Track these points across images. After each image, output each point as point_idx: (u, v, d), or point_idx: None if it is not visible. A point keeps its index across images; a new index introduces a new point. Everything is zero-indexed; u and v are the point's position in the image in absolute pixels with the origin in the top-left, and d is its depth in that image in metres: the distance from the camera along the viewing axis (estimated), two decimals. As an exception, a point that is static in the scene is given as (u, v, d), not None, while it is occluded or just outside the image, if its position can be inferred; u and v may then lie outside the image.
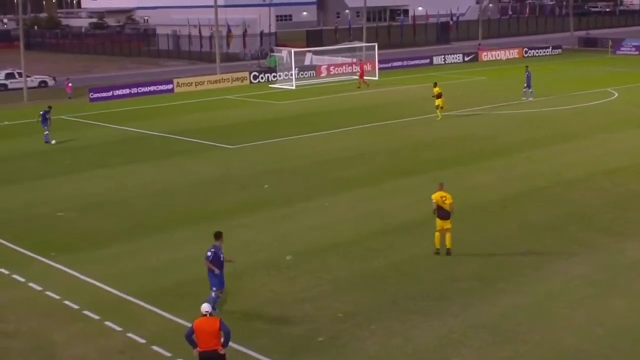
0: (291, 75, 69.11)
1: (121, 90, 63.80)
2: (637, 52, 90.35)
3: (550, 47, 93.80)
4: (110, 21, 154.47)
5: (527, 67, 56.82)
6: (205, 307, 15.66)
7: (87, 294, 21.71)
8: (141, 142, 43.84)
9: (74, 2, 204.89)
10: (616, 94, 56.46)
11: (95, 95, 62.01)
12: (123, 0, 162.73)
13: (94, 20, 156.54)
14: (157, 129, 47.13)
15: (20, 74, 67.90)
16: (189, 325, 16.23)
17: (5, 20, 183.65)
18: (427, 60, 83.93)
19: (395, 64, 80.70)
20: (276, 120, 50.02)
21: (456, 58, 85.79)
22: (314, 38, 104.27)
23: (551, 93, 57.24)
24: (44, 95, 64.53)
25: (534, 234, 25.73)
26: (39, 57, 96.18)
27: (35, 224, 28.58)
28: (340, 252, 24.46)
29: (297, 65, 71.09)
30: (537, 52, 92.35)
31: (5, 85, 69.96)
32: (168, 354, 17.86)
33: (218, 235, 19.72)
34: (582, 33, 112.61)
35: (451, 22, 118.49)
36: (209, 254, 19.46)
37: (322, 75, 73.67)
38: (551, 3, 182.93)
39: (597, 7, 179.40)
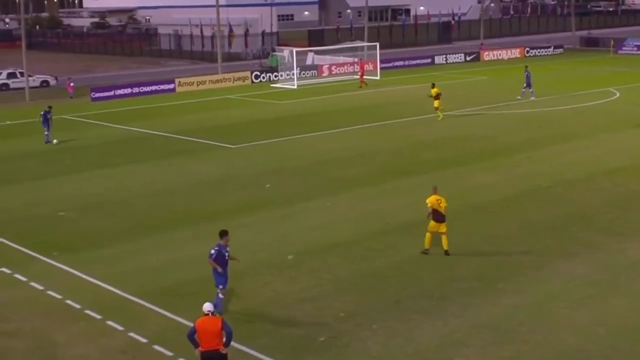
0: (293, 74, 69.12)
1: (123, 89, 63.83)
2: (639, 52, 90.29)
3: (552, 47, 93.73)
4: (112, 21, 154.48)
5: (526, 67, 56.81)
6: (208, 307, 15.66)
7: (88, 293, 21.74)
8: (142, 142, 43.87)
9: (76, 1, 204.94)
10: (618, 94, 56.45)
11: (97, 94, 62.05)
12: (125, 0, 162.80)
13: (96, 19, 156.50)
14: (158, 129, 47.16)
15: (22, 74, 67.95)
16: (191, 324, 16.26)
17: (7, 20, 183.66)
18: (429, 60, 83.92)
19: (396, 63, 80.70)
20: (277, 120, 50.05)
21: (458, 58, 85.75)
22: (315, 38, 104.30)
23: (552, 93, 57.23)
24: (45, 94, 64.58)
25: (535, 234, 25.75)
26: (41, 57, 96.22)
27: (37, 224, 28.62)
28: (341, 252, 24.48)
29: (298, 64, 71.13)
30: (538, 52, 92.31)
31: (7, 85, 69.98)
32: (170, 354, 17.90)
33: (223, 234, 19.65)
34: (584, 33, 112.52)
35: (453, 22, 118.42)
36: (213, 252, 19.43)
37: (324, 75, 73.69)
38: (553, 3, 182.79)
39: (599, 6, 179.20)
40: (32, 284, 22.48)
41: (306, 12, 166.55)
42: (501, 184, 32.20)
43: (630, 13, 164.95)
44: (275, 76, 71.55)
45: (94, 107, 58.01)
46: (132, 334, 18.98)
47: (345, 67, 74.91)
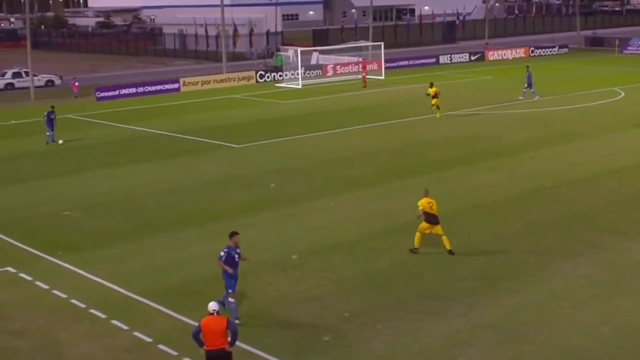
0: (297, 74, 69.17)
1: (127, 89, 63.95)
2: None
3: (557, 47, 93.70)
4: (117, 20, 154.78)
5: (527, 67, 56.78)
6: (213, 306, 15.67)
7: (93, 293, 21.79)
8: (147, 142, 43.94)
9: (81, 1, 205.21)
10: (622, 94, 56.40)
11: (102, 94, 62.17)
12: (129, 0, 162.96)
13: (101, 19, 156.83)
14: (163, 128, 47.23)
15: (27, 73, 68.11)
16: (196, 324, 16.27)
17: (12, 20, 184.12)
18: (434, 60, 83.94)
19: (401, 63, 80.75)
20: (282, 120, 50.09)
21: (462, 57, 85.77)
22: (320, 37, 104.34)
23: (557, 92, 57.21)
24: (50, 94, 64.70)
25: (539, 234, 25.75)
26: (46, 56, 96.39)
27: (42, 223, 28.69)
28: (345, 251, 24.50)
29: (303, 64, 71.17)
30: (543, 52, 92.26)
31: (12, 84, 70.19)
32: (174, 353, 17.93)
33: (231, 235, 19.39)
34: (589, 32, 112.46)
35: (457, 22, 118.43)
36: (222, 254, 19.15)
37: (329, 74, 73.74)
38: (558, 2, 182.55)
39: (606, 6, 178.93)
40: (37, 283, 22.54)
41: (311, 12, 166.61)
42: (505, 184, 32.19)
43: (636, 13, 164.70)
44: (280, 76, 71.61)
45: (99, 107, 58.12)
46: (136, 334, 19.01)
47: (350, 66, 74.94)
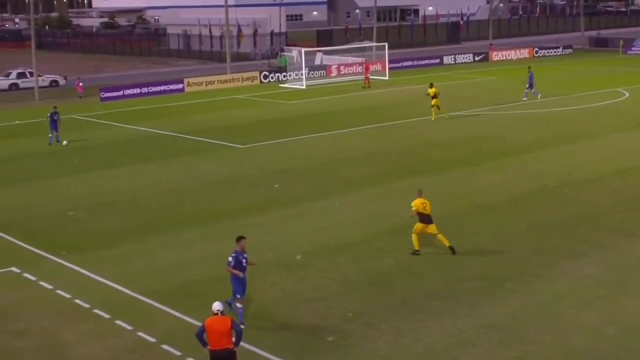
0: (301, 74, 69.15)
1: (132, 89, 63.96)
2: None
3: (561, 47, 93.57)
4: (121, 21, 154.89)
5: (529, 67, 56.70)
6: (217, 306, 15.66)
7: (97, 293, 21.79)
8: (151, 142, 43.95)
9: (85, 1, 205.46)
10: (627, 94, 56.31)
11: (106, 94, 62.19)
12: (133, 0, 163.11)
13: (105, 19, 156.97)
14: (167, 129, 47.25)
15: (31, 74, 68.21)
16: (199, 324, 16.27)
17: (16, 20, 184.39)
18: (438, 60, 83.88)
19: (405, 63, 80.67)
20: (286, 120, 50.09)
21: (466, 58, 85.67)
22: (324, 38, 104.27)
23: (561, 93, 57.16)
24: (55, 94, 64.77)
25: (543, 234, 25.70)
26: (50, 57, 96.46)
27: (46, 223, 28.71)
28: (349, 252, 24.49)
29: (307, 64, 71.15)
30: (547, 52, 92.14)
31: (16, 85, 70.23)
32: (178, 353, 17.92)
33: (238, 240, 19.22)
34: (593, 33, 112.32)
35: (461, 22, 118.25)
36: (230, 259, 18.98)
37: (333, 75, 73.70)
38: (562, 3, 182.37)
39: (611, 7, 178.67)
40: (41, 283, 22.55)
41: (315, 12, 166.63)
42: (509, 184, 32.15)
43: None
44: (284, 76, 71.61)
45: (103, 107, 58.16)
46: (140, 334, 19.01)
47: (354, 67, 74.84)
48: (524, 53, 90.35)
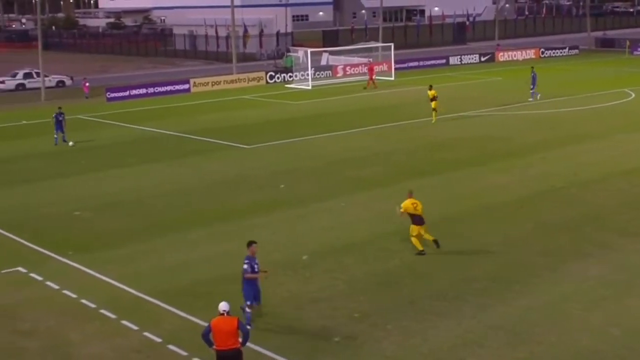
0: (307, 75, 69.20)
1: (138, 90, 64.07)
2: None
3: (567, 48, 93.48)
4: (127, 21, 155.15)
5: (532, 67, 56.64)
6: (223, 306, 15.65)
7: (103, 293, 21.83)
8: (157, 142, 44.01)
9: (91, 2, 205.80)
10: (633, 95, 56.21)
11: (112, 95, 62.31)
12: (140, 0, 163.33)
13: (111, 20, 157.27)
14: (173, 129, 47.31)
15: (38, 74, 68.37)
16: (205, 324, 16.29)
17: (23, 21, 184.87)
18: (444, 61, 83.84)
19: (411, 64, 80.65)
20: (292, 120, 50.11)
21: (472, 58, 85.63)
22: (330, 38, 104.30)
23: (568, 94, 57.10)
24: (61, 94, 64.92)
25: (549, 235, 25.68)
26: (57, 57, 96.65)
27: (52, 223, 28.76)
28: (356, 252, 24.49)
29: (313, 65, 71.17)
30: (553, 53, 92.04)
31: (23, 85, 70.44)
32: (184, 353, 17.94)
33: (249, 245, 18.94)
34: (599, 33, 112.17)
35: (467, 23, 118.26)
36: (246, 266, 18.71)
37: (338, 75, 73.72)
38: (568, 3, 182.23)
39: (618, 7, 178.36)
40: (48, 283, 22.59)
41: (321, 13, 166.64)
42: (515, 185, 32.13)
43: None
44: (290, 76, 71.65)
45: (109, 107, 58.25)
46: (146, 334, 19.04)
47: (360, 67, 74.79)
48: (530, 53, 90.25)
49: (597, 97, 55.58)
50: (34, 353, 18.41)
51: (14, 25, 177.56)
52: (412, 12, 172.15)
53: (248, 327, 17.28)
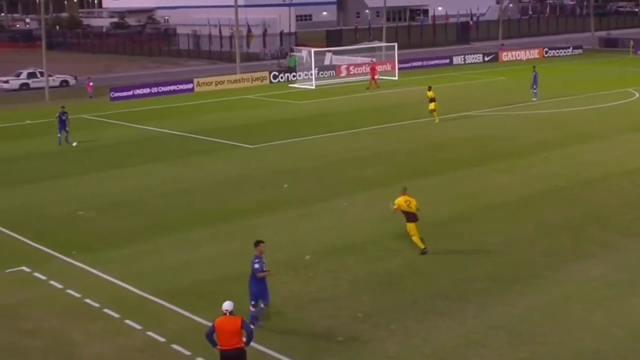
0: (311, 75, 69.24)
1: (141, 89, 64.15)
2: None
3: (571, 47, 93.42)
4: (131, 21, 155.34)
5: (534, 67, 56.60)
6: (227, 306, 15.66)
7: (107, 292, 21.87)
8: (160, 142, 44.05)
9: (95, 2, 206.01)
10: (637, 95, 56.16)
11: (116, 94, 62.39)
12: (144, 0, 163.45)
13: (115, 20, 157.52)
14: (176, 129, 47.36)
15: (42, 74, 68.43)
16: (209, 324, 16.33)
17: (27, 20, 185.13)
18: (447, 60, 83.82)
19: (414, 64, 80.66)
20: (295, 120, 50.14)
21: (476, 58, 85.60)
22: (333, 38, 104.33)
23: (571, 93, 57.09)
24: (65, 94, 64.98)
25: (551, 235, 25.68)
26: (61, 57, 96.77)
27: (56, 223, 28.82)
28: (358, 252, 24.52)
29: (316, 65, 71.21)
30: (557, 52, 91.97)
31: (27, 85, 70.54)
32: (188, 353, 17.98)
33: (257, 244, 18.81)
34: (603, 33, 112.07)
35: (471, 22, 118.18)
36: (257, 266, 18.54)
37: (342, 75, 73.77)
38: (572, 3, 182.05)
39: (622, 7, 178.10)
40: (51, 282, 22.65)
41: (324, 13, 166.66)
42: (517, 185, 32.13)
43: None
44: (294, 76, 71.69)
45: (113, 107, 58.32)
46: (150, 333, 19.08)
47: (363, 67, 74.81)
48: (534, 53, 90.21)
49: (600, 97, 55.56)
50: (37, 352, 18.45)
51: (17, 25, 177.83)
52: (416, 12, 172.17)
53: (252, 326, 17.31)
